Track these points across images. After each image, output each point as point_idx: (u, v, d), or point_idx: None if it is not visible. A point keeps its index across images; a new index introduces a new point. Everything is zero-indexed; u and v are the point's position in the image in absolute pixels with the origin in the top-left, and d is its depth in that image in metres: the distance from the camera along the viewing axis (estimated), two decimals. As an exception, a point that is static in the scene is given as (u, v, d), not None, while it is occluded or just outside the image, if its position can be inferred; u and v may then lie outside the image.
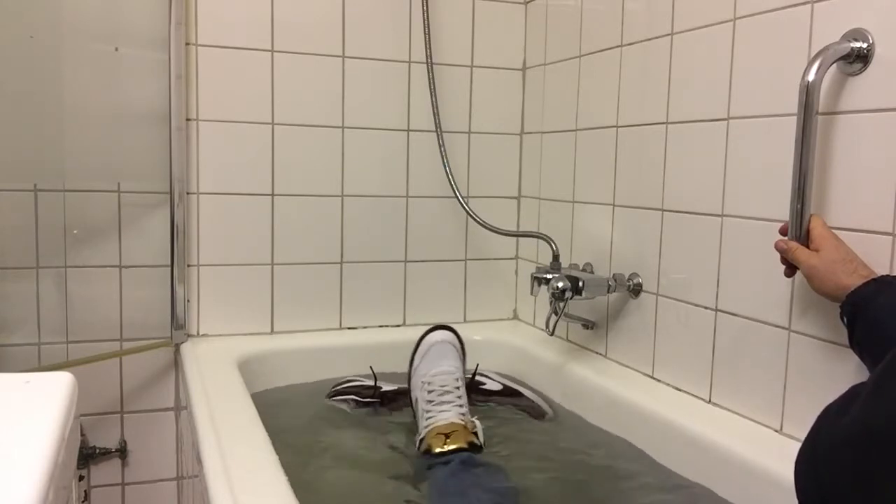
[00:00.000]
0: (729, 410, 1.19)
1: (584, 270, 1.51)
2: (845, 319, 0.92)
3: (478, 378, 1.52)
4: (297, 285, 1.66)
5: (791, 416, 1.09)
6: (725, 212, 1.20)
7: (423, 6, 1.65)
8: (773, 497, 0.97)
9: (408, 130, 1.72)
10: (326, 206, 1.67)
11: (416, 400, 1.28)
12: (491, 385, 1.51)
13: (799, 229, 0.98)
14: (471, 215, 1.66)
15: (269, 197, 1.62)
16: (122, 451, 1.60)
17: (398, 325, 1.75)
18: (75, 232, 1.51)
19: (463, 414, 1.22)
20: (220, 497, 0.87)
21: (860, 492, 0.58)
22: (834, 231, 0.98)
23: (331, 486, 1.12)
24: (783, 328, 1.10)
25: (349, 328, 1.71)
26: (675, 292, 1.31)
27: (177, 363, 1.59)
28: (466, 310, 1.82)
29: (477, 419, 1.24)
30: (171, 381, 1.62)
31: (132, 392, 1.60)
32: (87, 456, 1.56)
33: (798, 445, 0.68)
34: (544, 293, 1.44)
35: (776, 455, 1.02)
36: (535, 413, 1.43)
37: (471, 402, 1.45)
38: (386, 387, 1.46)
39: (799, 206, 0.98)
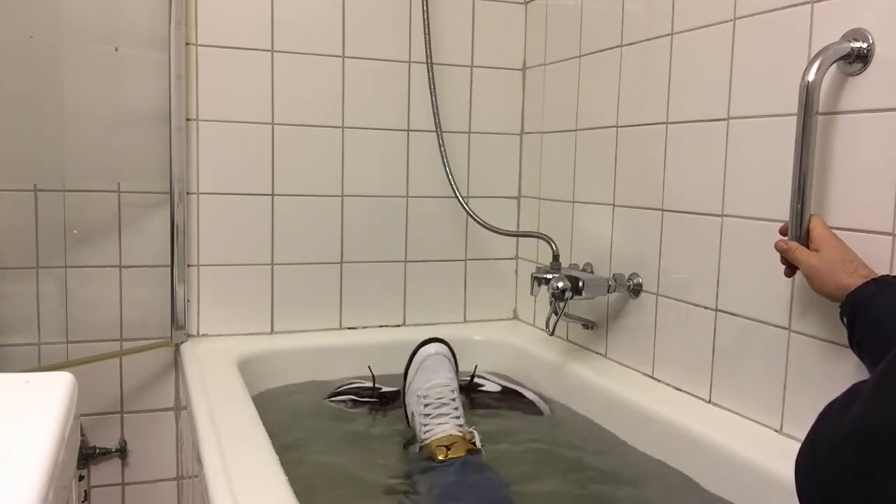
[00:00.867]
0: (729, 410, 1.19)
1: (584, 270, 1.51)
2: (845, 319, 0.92)
3: (476, 380, 1.52)
4: (297, 285, 1.66)
5: (791, 416, 1.09)
6: (725, 212, 1.20)
7: (423, 6, 1.65)
8: (772, 497, 0.97)
9: (408, 130, 1.72)
10: (326, 206, 1.67)
11: (413, 414, 1.26)
12: (490, 386, 1.51)
13: (799, 229, 0.98)
14: (471, 215, 1.66)
15: (269, 197, 1.62)
16: (122, 451, 1.60)
17: (398, 325, 1.75)
18: (75, 232, 1.51)
19: (460, 425, 1.20)
20: (220, 497, 0.87)
21: (860, 491, 0.58)
22: (834, 231, 0.98)
23: (327, 483, 1.12)
24: (783, 328, 1.10)
25: (349, 328, 1.71)
26: (675, 292, 1.31)
27: (177, 363, 1.59)
28: (466, 310, 1.82)
29: (474, 429, 1.22)
30: (171, 381, 1.62)
31: (132, 392, 1.60)
32: (87, 456, 1.56)
33: (798, 445, 0.68)
34: (544, 293, 1.44)
35: (776, 455, 1.02)
36: (535, 413, 1.43)
37: (470, 403, 1.45)
38: (385, 388, 1.46)
39: (799, 206, 0.98)
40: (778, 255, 1.02)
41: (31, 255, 1.48)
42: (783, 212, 1.02)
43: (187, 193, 1.55)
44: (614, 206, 1.47)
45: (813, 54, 0.98)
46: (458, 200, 1.66)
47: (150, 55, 1.52)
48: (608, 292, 1.42)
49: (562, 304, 1.40)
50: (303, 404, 1.44)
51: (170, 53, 1.48)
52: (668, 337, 1.33)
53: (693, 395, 1.27)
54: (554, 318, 1.42)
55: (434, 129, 1.68)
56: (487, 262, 1.83)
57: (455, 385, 1.28)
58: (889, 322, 0.85)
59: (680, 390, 1.30)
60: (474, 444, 1.18)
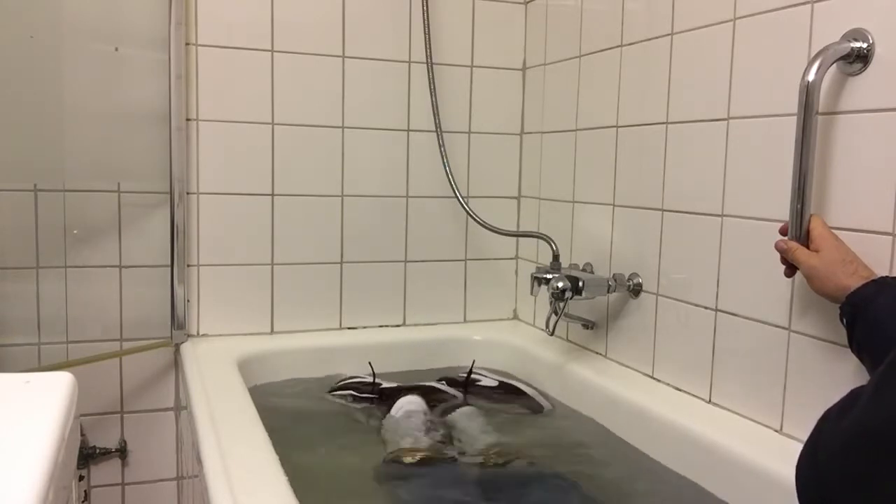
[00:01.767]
0: (729, 410, 1.19)
1: (584, 270, 1.51)
2: (845, 320, 0.92)
3: (473, 375, 1.53)
4: (297, 285, 1.66)
5: (791, 416, 1.09)
6: (725, 212, 1.20)
7: (423, 6, 1.65)
8: (772, 497, 0.97)
9: (408, 130, 1.72)
10: (326, 206, 1.67)
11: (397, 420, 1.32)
12: (487, 381, 1.52)
13: (799, 229, 0.98)
14: (471, 215, 1.66)
15: (269, 197, 1.62)
16: (122, 451, 1.60)
17: (398, 325, 1.75)
18: (75, 232, 1.51)
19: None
20: (220, 497, 0.87)
21: (862, 495, 0.58)
22: (834, 231, 0.98)
23: (324, 478, 1.13)
24: (783, 328, 1.10)
25: (349, 328, 1.71)
26: (675, 292, 1.31)
27: (177, 363, 1.59)
28: (466, 310, 1.82)
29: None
30: (171, 381, 1.62)
31: (132, 392, 1.60)
32: (87, 456, 1.56)
33: (798, 445, 0.68)
34: (544, 293, 1.44)
35: (776, 455, 1.02)
36: (534, 408, 1.44)
37: (467, 399, 1.46)
38: (385, 383, 1.46)
39: (799, 206, 0.98)
40: (778, 255, 1.02)
41: (31, 255, 1.48)
42: (783, 212, 1.02)
43: (187, 193, 1.55)
44: (614, 206, 1.47)
45: (813, 54, 0.98)
46: (458, 200, 1.66)
47: (150, 55, 1.52)
48: (608, 292, 1.42)
49: (562, 304, 1.40)
50: (302, 399, 1.46)
51: (170, 53, 1.48)
52: (668, 337, 1.33)
53: (693, 395, 1.27)
54: (554, 318, 1.42)
55: (434, 129, 1.68)
56: (487, 262, 1.83)
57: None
58: (889, 323, 0.85)
59: (680, 390, 1.30)
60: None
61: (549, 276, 1.42)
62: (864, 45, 0.96)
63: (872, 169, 0.96)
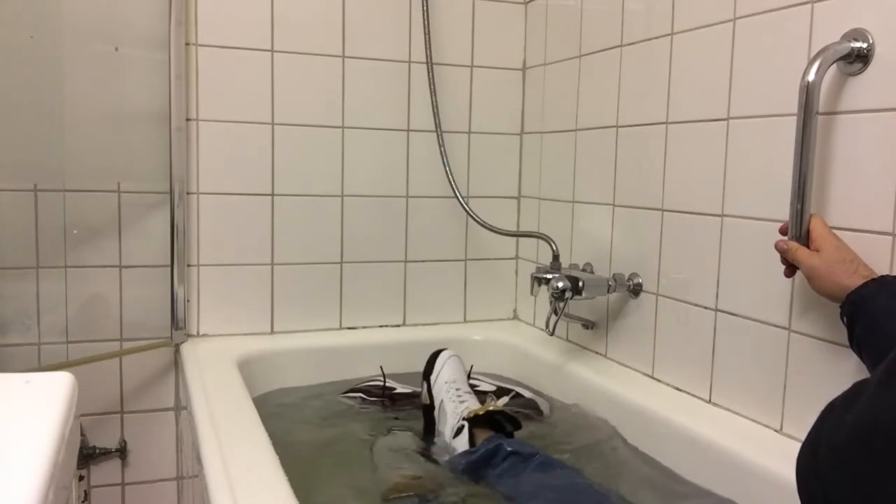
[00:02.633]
0: (729, 410, 1.19)
1: (584, 270, 1.51)
2: (845, 319, 0.92)
3: (471, 381, 1.52)
4: (297, 285, 1.66)
5: (791, 416, 1.09)
6: (725, 212, 1.20)
7: (423, 6, 1.65)
8: (772, 497, 0.97)
9: (408, 130, 1.72)
10: (326, 206, 1.67)
11: (443, 402, 1.32)
12: (484, 386, 1.51)
13: (799, 229, 0.98)
14: (471, 215, 1.66)
15: (269, 197, 1.62)
16: (122, 451, 1.60)
17: (398, 325, 1.75)
18: (75, 232, 1.51)
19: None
20: (220, 497, 0.87)
21: (864, 491, 0.58)
22: (834, 231, 0.98)
23: (328, 482, 1.13)
24: (783, 328, 1.10)
25: (349, 328, 1.71)
26: (675, 292, 1.31)
27: (177, 363, 1.59)
28: (466, 310, 1.82)
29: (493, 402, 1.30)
30: (171, 381, 1.62)
31: (132, 392, 1.60)
32: (87, 456, 1.56)
33: (798, 445, 0.68)
34: (544, 293, 1.44)
35: (776, 455, 1.02)
36: (534, 411, 1.43)
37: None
38: (400, 388, 1.47)
39: (799, 206, 0.98)
40: (778, 255, 1.02)
41: (31, 255, 1.48)
42: (783, 212, 1.02)
43: (187, 193, 1.55)
44: (614, 206, 1.47)
45: (813, 54, 0.98)
46: (458, 200, 1.66)
47: (150, 55, 1.52)
48: (608, 292, 1.42)
49: (562, 304, 1.40)
50: (311, 400, 1.46)
51: (170, 53, 1.48)
52: (668, 337, 1.33)
53: (693, 395, 1.27)
54: (554, 318, 1.42)
55: (434, 129, 1.68)
56: (487, 262, 1.83)
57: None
58: (889, 321, 0.85)
59: (680, 390, 1.30)
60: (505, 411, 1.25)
61: (549, 276, 1.42)
62: (864, 45, 0.96)
63: (872, 169, 0.96)
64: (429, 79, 1.66)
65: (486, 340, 1.72)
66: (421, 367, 1.41)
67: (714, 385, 1.23)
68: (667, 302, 1.33)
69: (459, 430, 1.23)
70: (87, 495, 1.58)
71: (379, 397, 1.45)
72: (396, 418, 1.40)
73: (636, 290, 1.40)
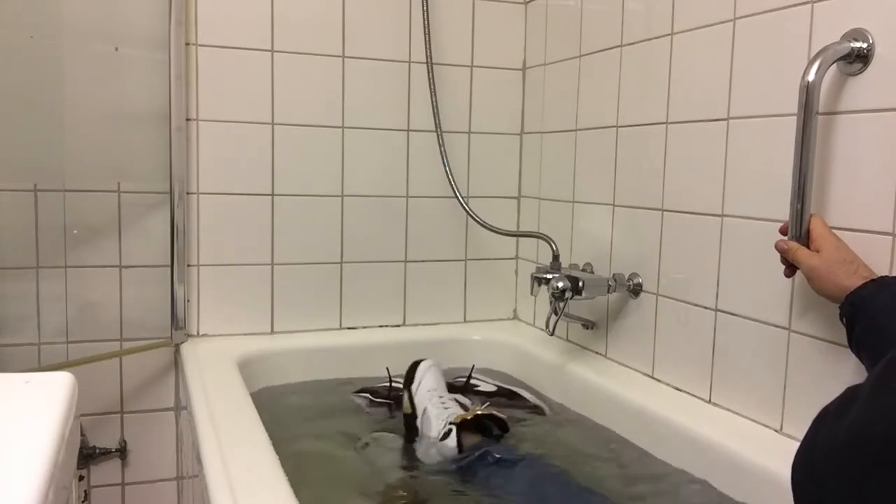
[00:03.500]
0: (729, 410, 1.19)
1: (584, 270, 1.51)
2: (845, 319, 0.92)
3: (472, 381, 1.52)
4: (297, 285, 1.66)
5: (791, 416, 1.09)
6: (725, 212, 1.20)
7: (423, 6, 1.65)
8: (772, 497, 0.97)
9: (408, 130, 1.72)
10: (326, 206, 1.67)
11: (426, 409, 1.30)
12: (485, 387, 1.51)
13: (799, 229, 0.98)
14: (471, 215, 1.66)
15: (269, 197, 1.62)
16: (122, 451, 1.60)
17: (398, 325, 1.75)
18: (75, 232, 1.51)
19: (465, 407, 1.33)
20: (220, 497, 0.87)
21: (859, 497, 0.58)
22: (834, 231, 0.98)
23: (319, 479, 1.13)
24: (783, 328, 1.10)
25: (349, 328, 1.71)
26: (675, 292, 1.31)
27: (177, 363, 1.59)
28: (466, 310, 1.82)
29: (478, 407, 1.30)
30: (171, 381, 1.62)
31: (132, 392, 1.60)
32: (87, 456, 1.56)
33: (798, 445, 0.68)
34: (544, 293, 1.44)
35: (776, 455, 1.02)
36: (535, 412, 1.43)
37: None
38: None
39: (799, 206, 0.98)
40: (778, 255, 1.02)
41: (31, 255, 1.48)
42: (783, 212, 1.02)
43: (187, 193, 1.55)
44: (614, 206, 1.48)
45: (813, 54, 0.98)
46: (458, 200, 1.66)
47: (150, 55, 1.52)
48: (608, 292, 1.42)
49: (562, 304, 1.40)
50: (319, 398, 1.47)
51: (170, 53, 1.48)
52: (668, 337, 1.33)
53: (693, 395, 1.27)
54: (554, 318, 1.42)
55: (434, 129, 1.68)
56: (487, 262, 1.83)
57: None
58: (888, 322, 0.85)
59: (680, 390, 1.30)
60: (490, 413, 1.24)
61: (549, 276, 1.42)
62: (864, 45, 0.96)
63: (872, 169, 0.96)
64: (429, 79, 1.66)
65: (486, 340, 1.72)
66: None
67: (714, 385, 1.23)
68: (667, 302, 1.33)
69: (447, 434, 1.22)
70: (87, 495, 1.58)
71: (385, 398, 1.44)
72: (393, 416, 1.40)
73: (636, 290, 1.40)
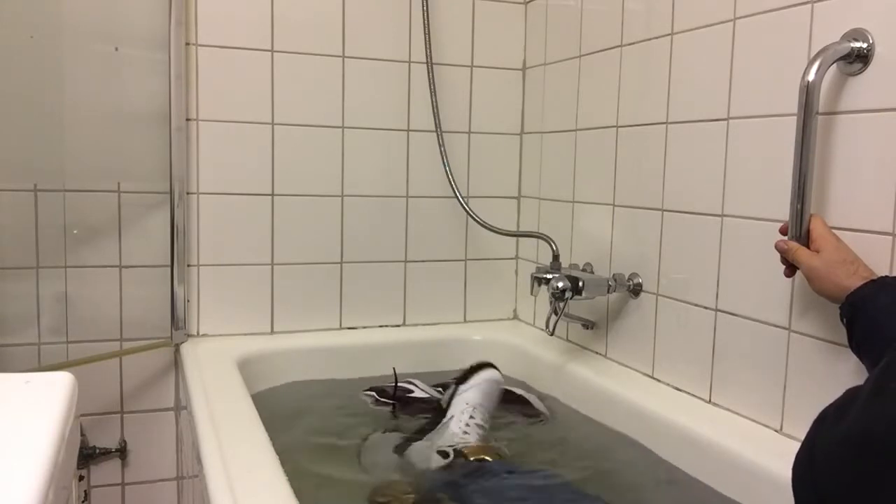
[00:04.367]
0: (729, 410, 1.19)
1: (584, 270, 1.51)
2: (845, 320, 0.92)
3: None
4: (297, 285, 1.66)
5: (791, 416, 1.09)
6: (725, 212, 1.20)
7: (423, 6, 1.65)
8: (772, 497, 0.97)
9: (408, 130, 1.72)
10: (326, 206, 1.67)
11: (452, 416, 1.29)
12: None
13: (799, 229, 0.98)
14: (471, 215, 1.66)
15: (269, 197, 1.62)
16: (122, 451, 1.60)
17: (398, 325, 1.75)
18: (75, 232, 1.51)
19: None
20: (220, 497, 0.87)
21: (859, 498, 0.58)
22: (834, 231, 0.98)
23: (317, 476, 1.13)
24: (783, 328, 1.10)
25: (349, 328, 1.71)
26: (675, 292, 1.31)
27: (177, 363, 1.59)
28: (466, 310, 1.82)
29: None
30: (171, 381, 1.62)
31: (132, 392, 1.60)
32: (87, 456, 1.56)
33: (798, 445, 0.68)
34: (544, 293, 1.44)
35: (776, 455, 1.02)
36: (532, 414, 1.43)
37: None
38: (418, 392, 1.46)
39: (799, 206, 0.98)
40: (778, 255, 1.02)
41: (31, 255, 1.48)
42: (783, 212, 1.02)
43: (187, 193, 1.55)
44: (614, 206, 1.47)
45: (813, 54, 0.98)
46: (458, 200, 1.66)
47: (150, 55, 1.52)
48: (608, 292, 1.42)
49: (562, 304, 1.40)
50: (323, 396, 1.46)
51: (170, 53, 1.48)
52: (668, 337, 1.33)
53: (693, 395, 1.27)
54: (554, 318, 1.42)
55: (434, 129, 1.68)
56: (487, 262, 1.83)
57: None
58: (888, 322, 0.85)
59: (680, 390, 1.30)
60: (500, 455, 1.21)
61: (549, 276, 1.42)
62: (864, 45, 0.96)
63: (872, 169, 0.96)
64: (429, 79, 1.66)
65: (486, 340, 1.72)
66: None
67: (714, 385, 1.23)
68: (667, 302, 1.33)
69: (446, 455, 1.21)
70: (87, 495, 1.58)
71: (391, 398, 1.44)
72: (396, 417, 1.40)
73: (636, 290, 1.40)
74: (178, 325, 1.55)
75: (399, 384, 1.46)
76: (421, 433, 1.29)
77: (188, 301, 1.57)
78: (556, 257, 1.52)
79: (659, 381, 1.35)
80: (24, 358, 1.48)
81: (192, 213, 1.57)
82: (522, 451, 1.26)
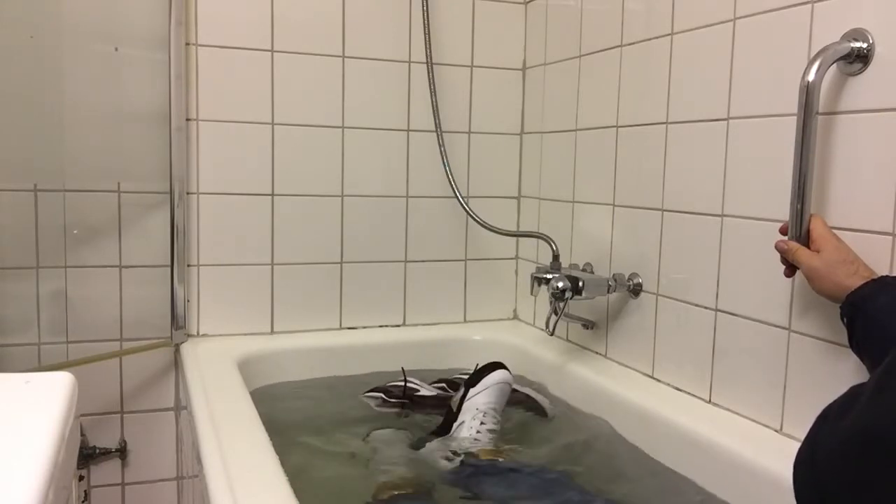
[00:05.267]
0: (729, 410, 1.19)
1: (584, 270, 1.51)
2: (845, 319, 0.92)
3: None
4: (297, 285, 1.66)
5: (791, 416, 1.09)
6: (725, 212, 1.20)
7: (423, 6, 1.65)
8: (772, 497, 0.97)
9: (408, 130, 1.72)
10: (326, 206, 1.67)
11: (463, 422, 1.29)
12: None
13: (799, 229, 0.98)
14: (471, 215, 1.66)
15: (269, 197, 1.62)
16: (122, 451, 1.60)
17: (398, 325, 1.75)
18: (75, 232, 1.51)
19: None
20: (220, 497, 0.87)
21: (861, 497, 0.58)
22: (834, 231, 0.98)
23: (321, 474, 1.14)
24: (783, 328, 1.10)
25: (349, 328, 1.71)
26: (675, 292, 1.31)
27: (177, 363, 1.59)
28: (466, 310, 1.82)
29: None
30: (171, 381, 1.62)
31: (132, 392, 1.60)
32: (87, 456, 1.56)
33: (798, 445, 0.68)
34: (544, 293, 1.44)
35: (776, 455, 1.02)
36: (537, 412, 1.43)
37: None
38: (424, 390, 1.45)
39: (799, 206, 0.98)
40: (778, 255, 1.02)
41: (31, 255, 1.48)
42: (783, 212, 1.02)
43: (187, 193, 1.55)
44: (614, 206, 1.47)
45: (813, 54, 0.98)
46: (458, 200, 1.66)
47: (150, 55, 1.52)
48: (608, 292, 1.42)
49: (562, 304, 1.40)
50: (327, 398, 1.46)
51: (170, 53, 1.48)
52: (668, 337, 1.33)
53: (693, 395, 1.27)
54: (554, 318, 1.42)
55: (434, 129, 1.68)
56: (487, 262, 1.83)
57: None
58: (889, 322, 0.85)
59: (680, 390, 1.30)
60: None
61: (549, 276, 1.42)
62: (864, 45, 0.96)
63: (872, 169, 0.96)
64: (429, 79, 1.66)
65: (486, 340, 1.72)
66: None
67: (714, 385, 1.23)
68: (667, 302, 1.33)
69: (456, 455, 1.22)
70: (87, 495, 1.58)
71: (399, 398, 1.44)
72: (406, 416, 1.40)
73: (636, 290, 1.40)
74: (178, 325, 1.55)
75: (399, 384, 1.46)
76: (433, 433, 1.30)
77: (188, 301, 1.57)
78: (556, 257, 1.52)
79: (659, 381, 1.35)
80: (24, 358, 1.48)
81: (192, 213, 1.57)
82: (528, 450, 1.27)
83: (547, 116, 1.72)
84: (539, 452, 1.26)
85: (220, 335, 1.60)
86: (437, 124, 1.68)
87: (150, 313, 1.57)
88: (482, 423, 1.28)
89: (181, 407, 1.53)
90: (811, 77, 0.95)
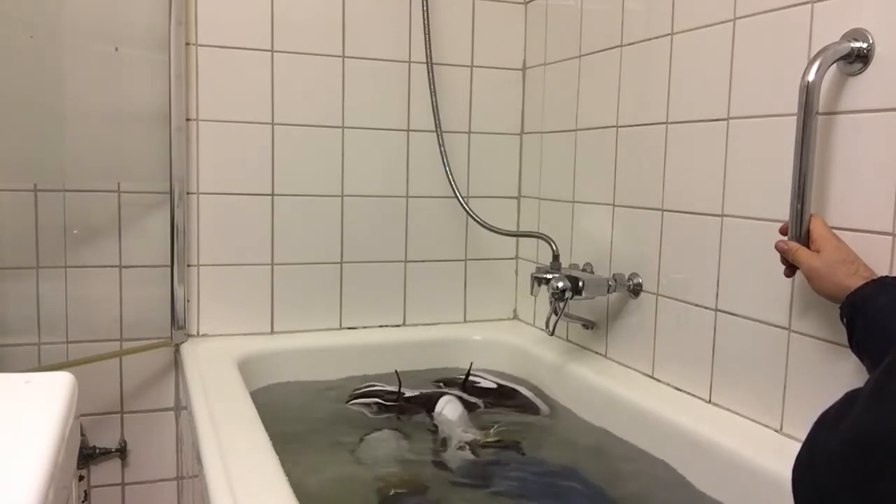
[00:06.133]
0: (729, 410, 1.19)
1: (584, 270, 1.51)
2: (845, 320, 0.92)
3: (472, 378, 1.52)
4: (297, 285, 1.66)
5: (791, 416, 1.09)
6: (725, 212, 1.20)
7: (423, 6, 1.65)
8: (772, 497, 0.97)
9: (408, 130, 1.72)
10: (326, 206, 1.67)
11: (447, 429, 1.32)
12: (485, 384, 1.51)
13: (799, 229, 0.98)
14: (471, 215, 1.66)
15: (269, 197, 1.62)
16: (122, 451, 1.60)
17: (398, 325, 1.75)
18: (75, 232, 1.51)
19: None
20: (220, 497, 0.87)
21: (862, 499, 0.58)
22: (834, 231, 0.98)
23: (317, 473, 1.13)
24: (783, 328, 1.10)
25: (349, 328, 1.71)
26: (675, 292, 1.31)
27: (177, 363, 1.59)
28: (466, 310, 1.82)
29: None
30: (171, 381, 1.62)
31: (132, 392, 1.60)
32: (87, 456, 1.56)
33: (798, 445, 0.68)
34: (544, 293, 1.44)
35: (776, 455, 1.02)
36: (532, 410, 1.44)
37: (464, 401, 1.45)
38: (409, 392, 1.45)
39: (799, 206, 0.98)
40: (778, 255, 1.02)
41: (31, 255, 1.48)
42: (783, 212, 1.02)
43: (187, 193, 1.55)
44: (614, 206, 1.47)
45: (813, 54, 0.98)
46: (458, 200, 1.66)
47: (150, 55, 1.52)
48: (608, 292, 1.42)
49: (562, 304, 1.40)
50: (315, 406, 1.44)
51: (170, 53, 1.48)
52: (668, 337, 1.33)
53: (693, 395, 1.27)
54: (554, 318, 1.42)
55: (434, 129, 1.68)
56: (487, 262, 1.83)
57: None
58: (889, 322, 0.85)
59: (680, 390, 1.30)
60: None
61: (549, 276, 1.42)
62: (864, 45, 0.96)
63: (872, 169, 0.96)
64: (429, 79, 1.66)
65: (486, 340, 1.72)
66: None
67: (714, 385, 1.23)
68: (667, 302, 1.33)
69: (462, 447, 1.23)
70: (87, 495, 1.58)
71: (395, 402, 1.42)
72: (399, 417, 1.39)
73: (636, 290, 1.40)
74: (178, 325, 1.55)
75: (388, 388, 1.46)
76: (426, 431, 1.30)
77: (188, 301, 1.57)
78: (556, 257, 1.52)
79: (659, 381, 1.35)
80: (24, 358, 1.48)
81: (192, 213, 1.57)
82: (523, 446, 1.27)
83: (547, 116, 1.72)
84: (535, 448, 1.26)
85: (220, 335, 1.60)
86: (437, 124, 1.68)
87: (150, 313, 1.57)
88: (464, 432, 1.30)
89: (181, 407, 1.53)
90: (811, 77, 0.95)
